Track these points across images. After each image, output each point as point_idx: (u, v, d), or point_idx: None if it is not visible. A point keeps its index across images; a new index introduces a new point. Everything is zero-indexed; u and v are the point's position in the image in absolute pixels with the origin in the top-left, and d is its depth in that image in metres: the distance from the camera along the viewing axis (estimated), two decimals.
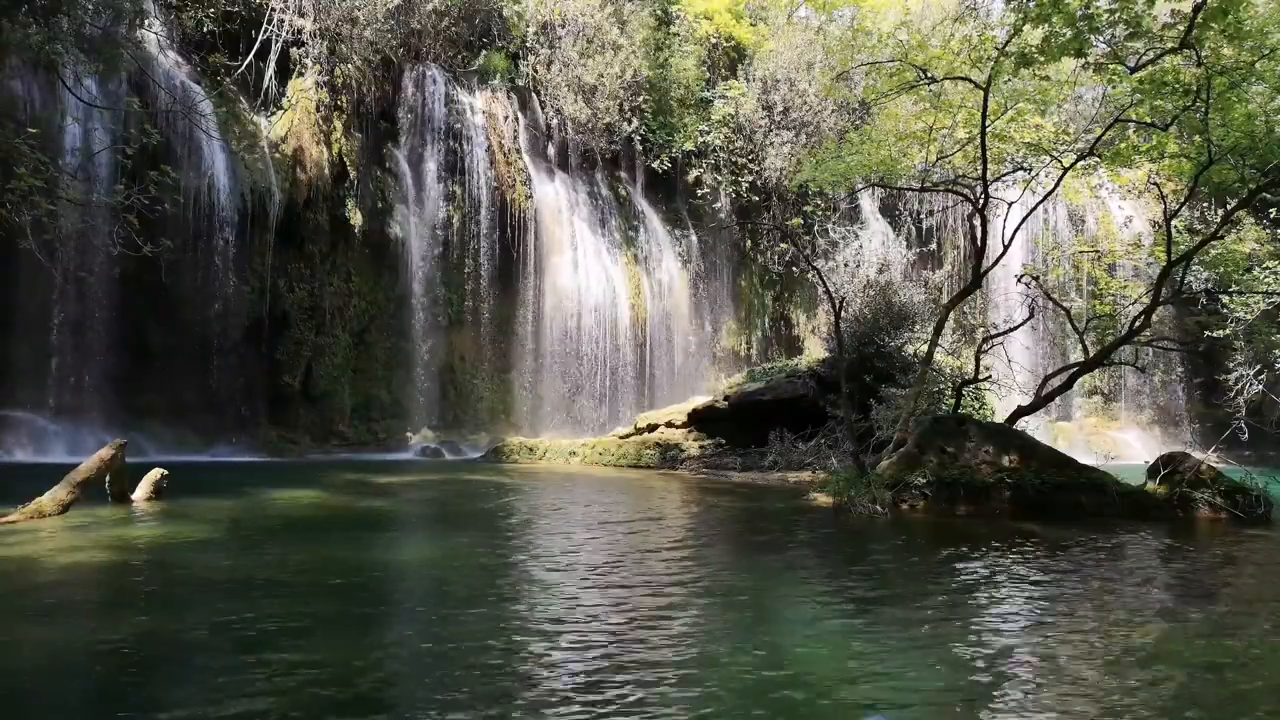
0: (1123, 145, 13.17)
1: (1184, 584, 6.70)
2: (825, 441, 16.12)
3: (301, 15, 20.30)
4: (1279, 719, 3.76)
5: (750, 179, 26.59)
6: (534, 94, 24.70)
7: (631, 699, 3.68)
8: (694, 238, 26.87)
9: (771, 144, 26.30)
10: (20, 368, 16.37)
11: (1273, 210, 21.06)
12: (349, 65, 20.86)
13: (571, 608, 5.30)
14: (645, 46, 25.97)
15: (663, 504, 11.33)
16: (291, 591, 5.69)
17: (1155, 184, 16.10)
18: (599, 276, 24.15)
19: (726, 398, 18.60)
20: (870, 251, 24.73)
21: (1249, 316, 19.45)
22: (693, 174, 26.49)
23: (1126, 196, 25.72)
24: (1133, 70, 11.44)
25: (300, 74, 20.46)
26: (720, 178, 26.52)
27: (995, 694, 3.93)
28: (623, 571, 6.58)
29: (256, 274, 19.13)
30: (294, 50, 20.30)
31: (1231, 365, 22.29)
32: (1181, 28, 10.58)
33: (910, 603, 5.66)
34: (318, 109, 20.43)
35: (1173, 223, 13.30)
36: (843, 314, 14.10)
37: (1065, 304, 15.83)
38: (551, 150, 24.97)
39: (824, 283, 14.29)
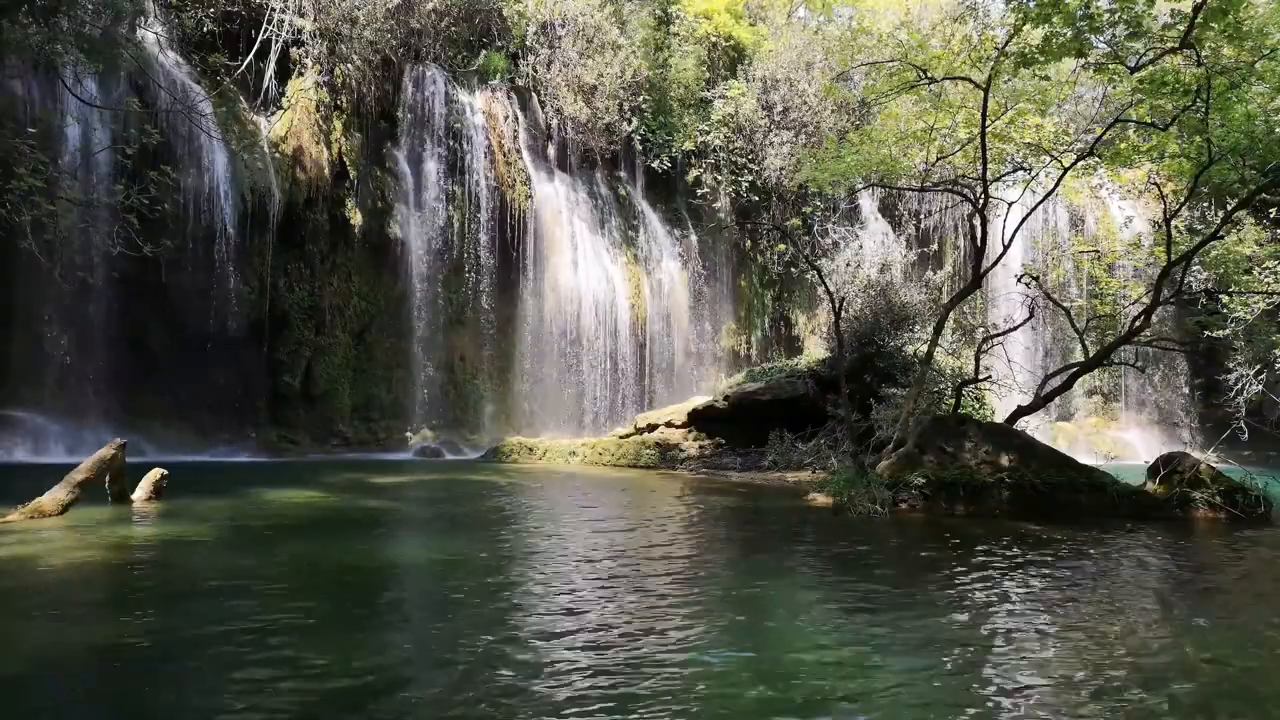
0: (1123, 145, 13.16)
1: (1182, 583, 6.70)
2: (825, 441, 16.12)
3: (301, 15, 20.30)
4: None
5: (750, 179, 26.58)
6: (534, 94, 24.70)
7: (629, 698, 3.68)
8: (694, 238, 26.87)
9: (771, 144, 26.29)
10: (20, 368, 16.38)
11: (1273, 210, 21.03)
12: (349, 65, 20.87)
13: (569, 607, 5.30)
14: (645, 46, 26.00)
15: (662, 504, 11.33)
16: (291, 591, 5.69)
17: (1155, 184, 16.06)
18: (599, 276, 24.15)
19: (726, 398, 18.60)
20: (870, 251, 24.67)
21: (1249, 316, 19.41)
22: (692, 174, 26.50)
23: (1126, 196, 25.66)
24: (1133, 70, 11.43)
25: (300, 74, 20.46)
26: (720, 178, 26.52)
27: (994, 693, 3.93)
28: (620, 571, 6.58)
29: (256, 274, 19.14)
30: (294, 50, 20.31)
31: (1231, 365, 22.26)
32: (1181, 28, 10.57)
33: (908, 602, 5.66)
34: (317, 109, 20.43)
35: (1173, 223, 13.29)
36: (843, 314, 14.10)
37: (1065, 304, 15.82)
38: (551, 150, 24.97)
39: (824, 283, 14.29)
